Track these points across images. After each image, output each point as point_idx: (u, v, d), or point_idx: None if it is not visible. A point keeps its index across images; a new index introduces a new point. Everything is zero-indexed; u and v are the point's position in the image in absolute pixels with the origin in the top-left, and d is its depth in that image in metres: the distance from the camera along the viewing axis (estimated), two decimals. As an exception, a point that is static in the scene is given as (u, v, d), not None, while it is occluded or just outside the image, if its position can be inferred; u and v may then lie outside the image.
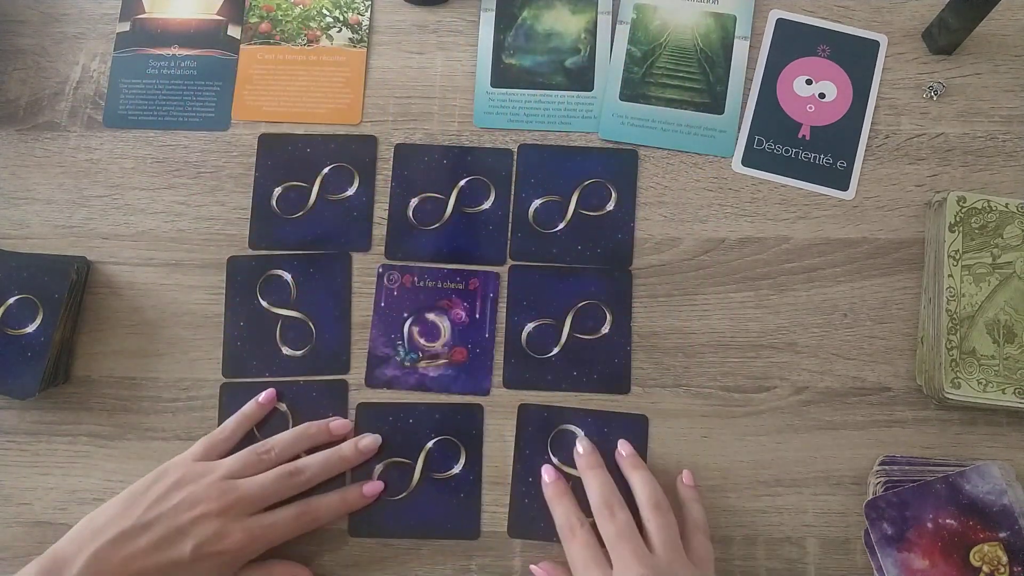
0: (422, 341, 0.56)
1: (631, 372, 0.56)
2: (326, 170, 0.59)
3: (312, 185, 0.59)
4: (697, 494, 0.53)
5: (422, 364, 0.56)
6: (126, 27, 0.62)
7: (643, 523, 0.49)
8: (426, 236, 0.58)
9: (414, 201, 0.58)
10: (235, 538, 0.48)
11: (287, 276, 0.57)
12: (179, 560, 0.47)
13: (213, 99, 0.61)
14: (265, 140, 0.60)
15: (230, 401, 0.55)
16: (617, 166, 0.59)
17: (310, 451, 0.53)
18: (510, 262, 0.57)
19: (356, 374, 0.56)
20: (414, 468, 0.54)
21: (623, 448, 0.54)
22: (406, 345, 0.56)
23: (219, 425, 0.54)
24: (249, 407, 0.54)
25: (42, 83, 0.61)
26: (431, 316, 0.57)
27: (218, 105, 0.61)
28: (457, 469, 0.54)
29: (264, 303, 0.57)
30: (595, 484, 0.51)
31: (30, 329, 0.54)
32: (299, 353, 0.56)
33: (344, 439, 0.54)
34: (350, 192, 0.59)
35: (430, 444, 0.55)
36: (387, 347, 0.56)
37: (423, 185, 0.59)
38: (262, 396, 0.55)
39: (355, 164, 0.59)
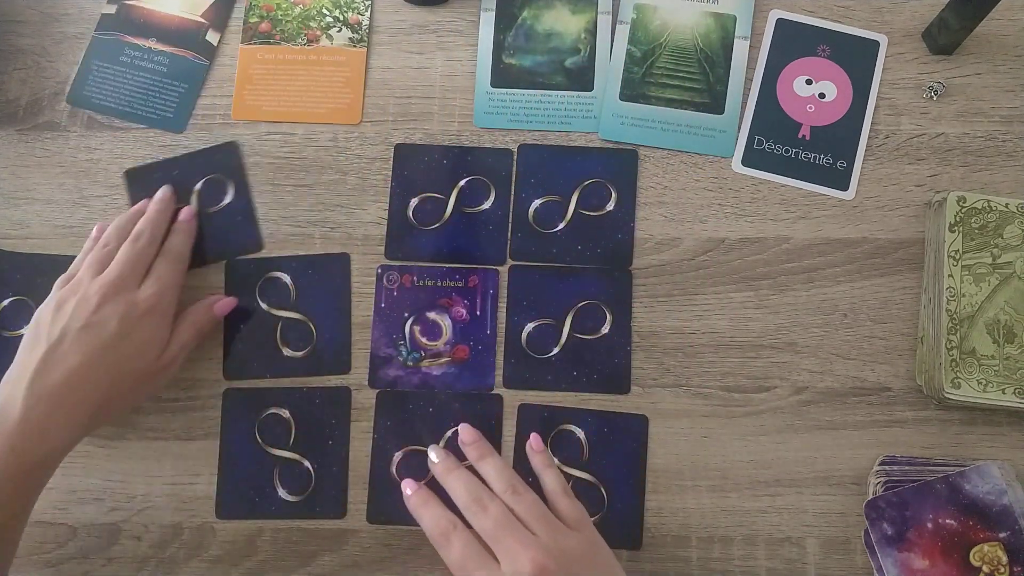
0: (424, 340, 0.56)
1: (631, 372, 0.56)
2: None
3: (312, 185, 0.59)
4: (547, 459, 0.52)
5: (425, 363, 0.56)
6: (112, 9, 0.62)
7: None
8: (426, 236, 0.58)
9: (414, 201, 0.58)
10: (146, 294, 0.50)
11: (286, 278, 0.57)
12: (110, 339, 0.48)
13: (175, 100, 0.60)
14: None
15: (231, 403, 0.55)
16: (617, 166, 0.59)
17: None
18: (510, 262, 0.57)
19: (356, 374, 0.56)
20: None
21: (464, 435, 0.52)
22: (408, 345, 0.56)
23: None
24: (90, 243, 0.54)
25: (42, 83, 0.61)
26: (432, 315, 0.57)
27: (178, 107, 0.60)
28: None
29: (264, 305, 0.57)
30: (458, 485, 0.49)
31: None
32: (300, 354, 0.56)
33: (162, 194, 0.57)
34: (350, 192, 0.59)
35: (448, 434, 0.55)
36: (389, 347, 0.56)
37: (423, 185, 0.59)
38: (95, 231, 0.55)
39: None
